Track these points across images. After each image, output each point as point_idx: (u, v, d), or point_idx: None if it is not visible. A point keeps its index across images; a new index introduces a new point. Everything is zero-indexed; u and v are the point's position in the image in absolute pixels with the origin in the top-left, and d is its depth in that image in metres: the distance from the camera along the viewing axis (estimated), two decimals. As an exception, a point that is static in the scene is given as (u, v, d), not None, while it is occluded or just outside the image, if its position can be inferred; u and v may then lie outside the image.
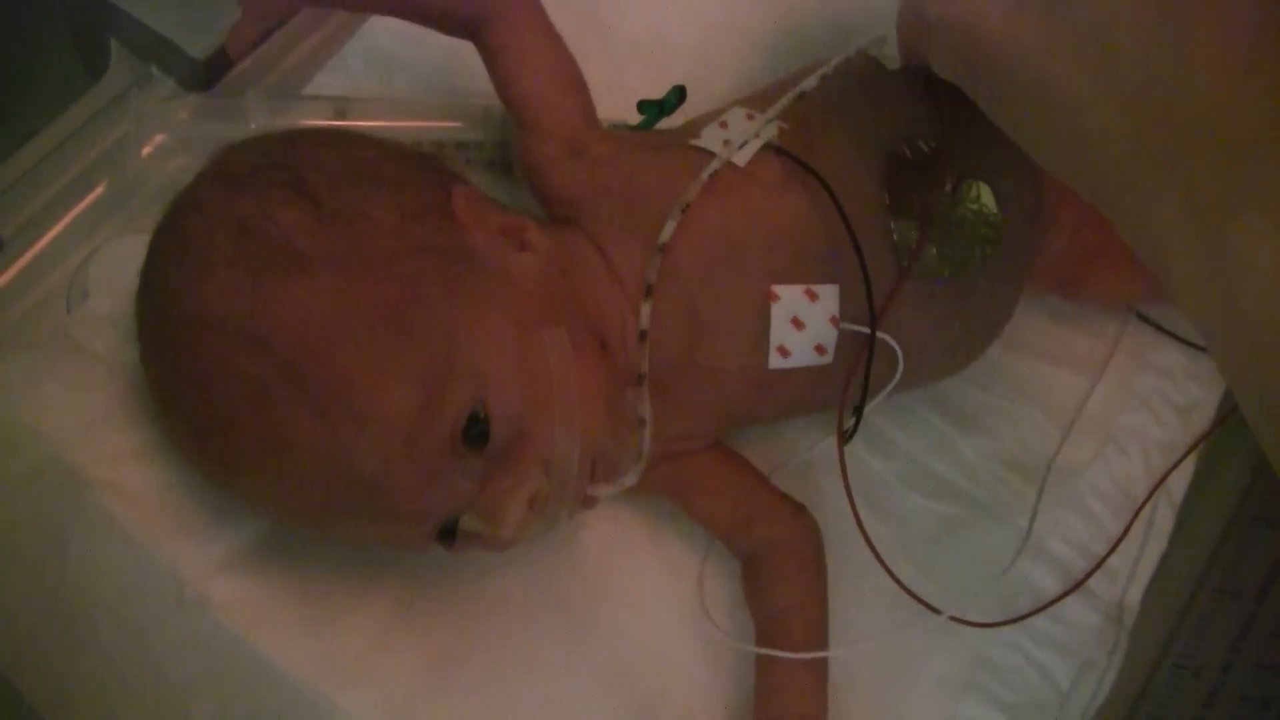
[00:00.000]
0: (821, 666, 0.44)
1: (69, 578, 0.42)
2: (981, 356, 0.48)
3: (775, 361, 0.42)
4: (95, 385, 0.44)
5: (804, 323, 0.41)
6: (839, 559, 0.47)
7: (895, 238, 0.42)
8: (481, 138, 0.50)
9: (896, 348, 0.42)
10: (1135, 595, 0.51)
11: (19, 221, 0.48)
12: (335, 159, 0.39)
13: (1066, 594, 0.49)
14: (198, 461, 0.40)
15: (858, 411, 0.43)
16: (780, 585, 0.45)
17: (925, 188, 0.42)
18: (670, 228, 0.40)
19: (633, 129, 0.52)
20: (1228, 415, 0.52)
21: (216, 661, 0.42)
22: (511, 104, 0.44)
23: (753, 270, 0.41)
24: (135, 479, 0.43)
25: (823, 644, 0.45)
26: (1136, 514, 0.51)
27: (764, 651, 0.44)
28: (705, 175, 0.41)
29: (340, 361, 0.35)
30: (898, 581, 0.44)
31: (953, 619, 0.46)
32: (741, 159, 0.42)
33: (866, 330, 0.41)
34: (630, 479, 0.41)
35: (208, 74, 0.49)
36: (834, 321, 0.42)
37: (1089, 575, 0.50)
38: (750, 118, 0.43)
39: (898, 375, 0.44)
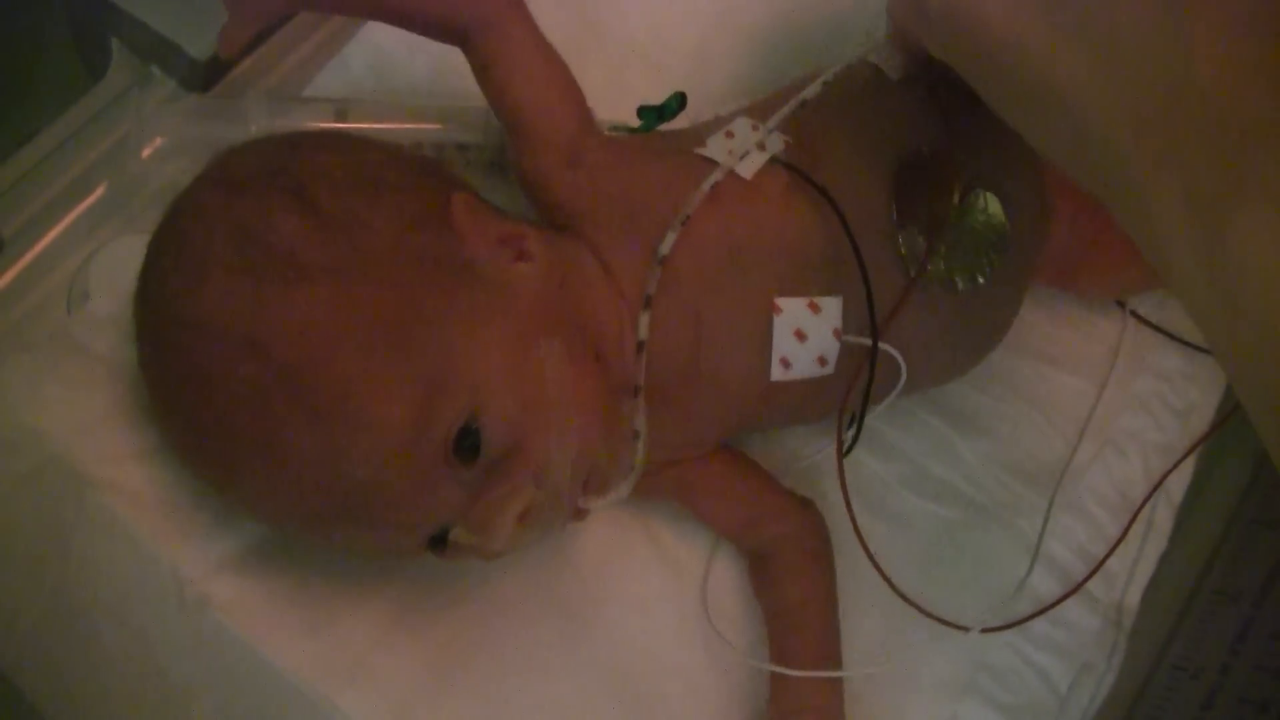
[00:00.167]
0: (835, 658, 0.45)
1: (70, 577, 0.42)
2: (985, 359, 0.48)
3: (777, 373, 0.42)
4: (96, 385, 0.44)
5: (807, 335, 0.41)
6: (839, 563, 0.47)
7: (903, 250, 0.42)
8: (482, 140, 0.50)
9: (900, 359, 0.42)
10: (1134, 597, 0.51)
11: (20, 222, 0.48)
12: (336, 164, 0.39)
13: (1066, 596, 0.49)
14: (194, 465, 0.40)
15: (858, 422, 0.43)
16: (792, 580, 0.46)
17: (932, 198, 0.42)
18: (671, 239, 0.40)
19: (633, 132, 0.52)
20: (1226, 418, 0.52)
21: (216, 662, 0.42)
22: (505, 115, 0.43)
23: (756, 282, 0.41)
24: (136, 479, 0.43)
25: (836, 636, 0.46)
26: (1135, 516, 0.51)
27: (772, 669, 0.45)
28: (707, 186, 0.41)
29: (337, 369, 0.35)
30: (903, 597, 0.44)
31: (984, 630, 0.46)
32: (747, 171, 0.42)
33: (870, 342, 0.41)
34: (623, 491, 0.41)
35: (209, 74, 0.49)
36: (837, 334, 0.42)
37: (1088, 577, 0.50)
38: (756, 128, 0.43)
39: (900, 384, 0.44)
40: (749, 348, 0.42)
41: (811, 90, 0.43)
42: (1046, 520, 0.51)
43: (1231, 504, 0.54)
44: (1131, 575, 0.51)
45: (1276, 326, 0.26)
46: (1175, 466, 0.52)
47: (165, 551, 0.42)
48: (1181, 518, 0.53)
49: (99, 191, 0.50)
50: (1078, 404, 0.53)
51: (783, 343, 0.41)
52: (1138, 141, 0.29)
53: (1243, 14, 0.28)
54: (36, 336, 0.46)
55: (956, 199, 0.42)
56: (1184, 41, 0.28)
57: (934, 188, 0.42)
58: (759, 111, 0.45)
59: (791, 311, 0.41)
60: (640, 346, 0.41)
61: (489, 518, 0.37)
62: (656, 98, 0.55)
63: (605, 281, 0.42)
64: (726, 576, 0.49)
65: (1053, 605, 0.49)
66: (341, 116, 0.49)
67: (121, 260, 0.44)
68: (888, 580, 0.44)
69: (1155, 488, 0.52)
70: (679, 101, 0.52)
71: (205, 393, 0.37)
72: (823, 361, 0.42)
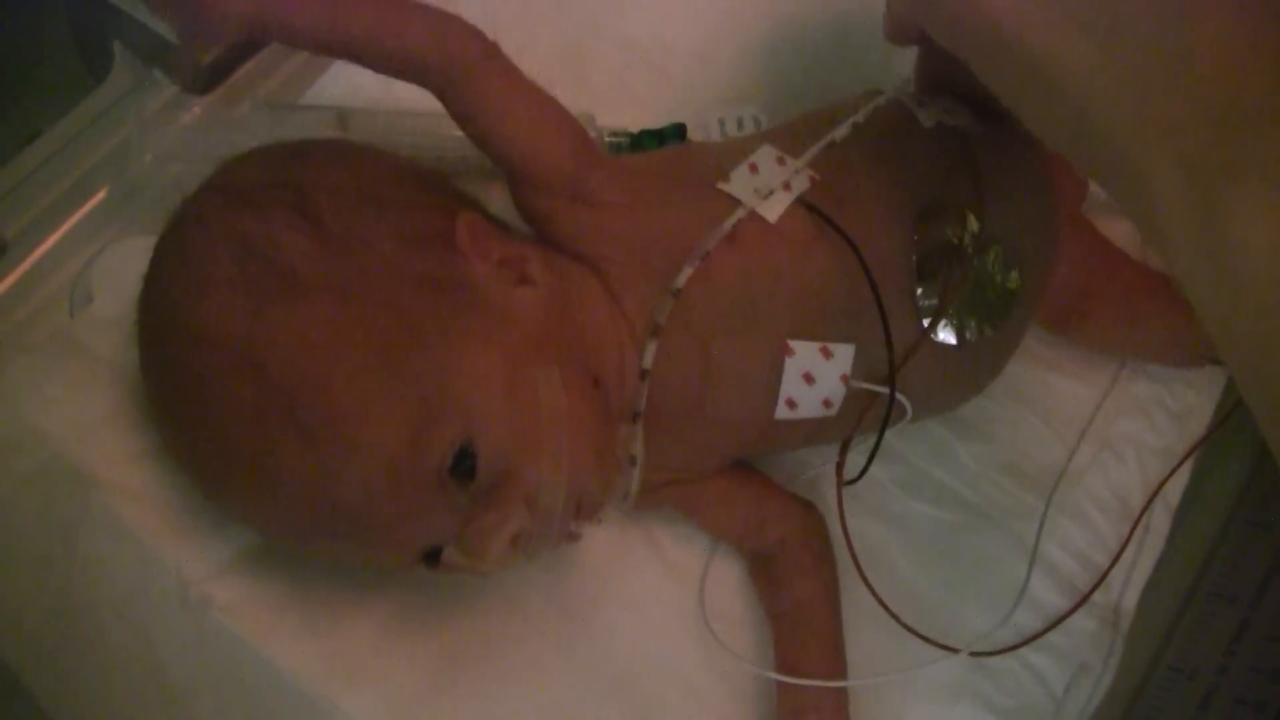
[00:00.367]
0: (842, 655, 0.45)
1: (74, 577, 0.42)
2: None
3: (781, 412, 0.42)
4: (100, 386, 0.44)
5: (815, 378, 0.41)
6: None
7: (921, 302, 0.42)
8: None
9: (907, 404, 0.42)
10: (1131, 599, 0.51)
11: (22, 224, 0.48)
12: (341, 178, 0.39)
13: (1074, 610, 0.49)
14: (188, 473, 0.40)
15: (865, 464, 0.43)
16: (797, 579, 0.46)
17: (951, 251, 0.42)
18: (686, 273, 0.40)
19: (634, 138, 0.52)
20: (1223, 421, 0.52)
21: (219, 661, 0.42)
22: (498, 161, 0.41)
23: (770, 323, 0.41)
24: (140, 480, 0.43)
25: (841, 633, 0.46)
26: (1135, 524, 0.51)
27: (767, 675, 0.45)
28: (729, 225, 0.40)
29: (332, 391, 0.35)
30: (897, 619, 0.45)
31: (973, 654, 0.46)
32: (771, 214, 0.41)
33: (877, 389, 0.41)
34: (616, 515, 0.41)
35: (210, 78, 0.49)
36: (844, 379, 0.41)
37: (1094, 589, 0.50)
38: (781, 161, 0.42)
39: (906, 419, 0.44)
40: (756, 386, 0.42)
41: (841, 131, 0.42)
42: (1042, 524, 0.51)
43: (1228, 506, 0.54)
44: (1128, 577, 0.51)
45: (1275, 302, 0.26)
46: (1173, 472, 0.52)
47: (169, 552, 0.42)
48: (1178, 520, 0.53)
49: (101, 194, 0.50)
50: (1076, 408, 0.53)
51: (791, 384, 0.41)
52: (1139, 121, 0.29)
53: None
54: (39, 338, 0.46)
55: (975, 252, 0.42)
56: (1186, 21, 0.29)
57: (953, 240, 0.42)
58: (781, 139, 0.44)
59: (804, 355, 0.41)
60: (644, 375, 0.40)
61: (481, 541, 0.37)
62: (658, 100, 0.55)
63: (610, 306, 0.41)
64: (724, 579, 0.49)
65: (1060, 620, 0.49)
66: (343, 123, 0.48)
67: (124, 262, 0.45)
68: (883, 604, 0.44)
69: (1155, 493, 0.52)
70: (678, 131, 0.52)
71: (202, 405, 0.37)
72: (828, 404, 0.42)
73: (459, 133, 0.41)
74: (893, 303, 0.41)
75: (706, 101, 0.55)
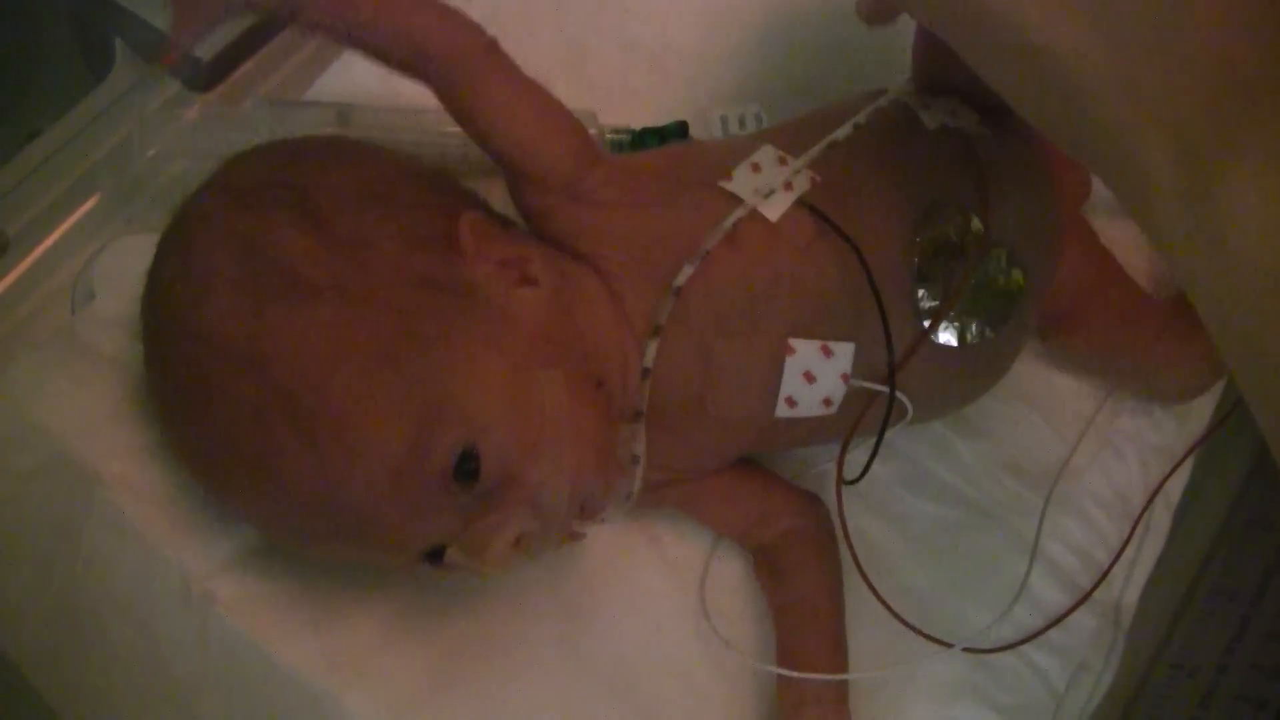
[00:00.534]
0: (845, 648, 0.46)
1: (78, 573, 0.42)
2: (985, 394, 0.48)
3: (781, 411, 0.42)
4: (102, 383, 0.44)
5: (816, 377, 0.41)
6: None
7: (923, 304, 0.42)
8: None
9: (907, 403, 0.42)
10: (1132, 597, 0.51)
11: (23, 221, 0.48)
12: (342, 178, 0.39)
13: (1075, 607, 0.49)
14: (190, 471, 0.40)
15: (867, 463, 0.43)
16: (802, 572, 0.46)
17: (952, 253, 0.42)
18: (687, 272, 0.40)
19: (635, 135, 0.52)
20: (1224, 419, 0.52)
21: (221, 658, 0.42)
22: (497, 158, 0.41)
23: (770, 322, 0.41)
24: (143, 476, 0.43)
25: (844, 626, 0.46)
26: (1136, 523, 0.51)
27: (768, 669, 0.45)
28: (729, 223, 0.40)
29: (334, 393, 0.35)
30: (895, 615, 0.45)
31: (966, 649, 0.46)
32: (773, 213, 0.41)
33: (877, 387, 0.41)
34: (617, 515, 0.41)
35: (212, 75, 0.49)
36: (844, 378, 0.42)
37: (1095, 587, 0.50)
38: (783, 161, 0.42)
39: (905, 421, 0.44)
40: (756, 384, 0.42)
41: (843, 131, 0.42)
42: (1042, 520, 0.51)
43: (1228, 505, 0.55)
44: (1129, 575, 0.52)
45: (1266, 278, 0.26)
46: (1174, 470, 0.52)
47: (172, 549, 0.42)
48: (1179, 518, 0.53)
49: (102, 191, 0.50)
50: (1077, 405, 0.53)
51: (791, 383, 0.41)
52: (1130, 98, 0.29)
53: None
54: (41, 335, 0.46)
55: (976, 256, 0.42)
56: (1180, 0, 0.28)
57: (955, 242, 0.42)
58: (783, 138, 0.44)
59: (804, 354, 0.41)
60: (645, 373, 0.41)
61: (484, 542, 0.37)
62: (659, 98, 0.55)
63: (611, 306, 0.41)
64: (725, 577, 0.49)
65: (1062, 618, 0.49)
66: (344, 120, 0.49)
67: (125, 260, 0.45)
68: (882, 601, 0.44)
69: (1155, 492, 0.52)
70: (680, 129, 0.52)
71: (205, 405, 0.37)
72: (828, 403, 0.42)
73: (459, 131, 0.41)
74: (894, 304, 0.41)
75: (707, 99, 0.55)
